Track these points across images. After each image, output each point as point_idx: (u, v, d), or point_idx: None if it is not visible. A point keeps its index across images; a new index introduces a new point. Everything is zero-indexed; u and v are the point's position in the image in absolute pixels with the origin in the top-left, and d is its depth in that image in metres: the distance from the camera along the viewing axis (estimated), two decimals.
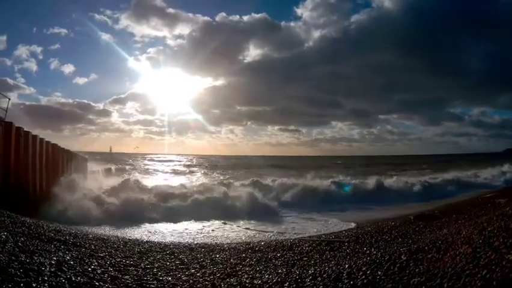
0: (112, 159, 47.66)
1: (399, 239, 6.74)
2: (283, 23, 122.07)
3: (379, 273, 3.86)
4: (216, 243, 8.53)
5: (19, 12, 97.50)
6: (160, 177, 38.61)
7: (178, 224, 12.92)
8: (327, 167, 50.19)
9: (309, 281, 4.13)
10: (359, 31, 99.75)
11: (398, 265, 4.00)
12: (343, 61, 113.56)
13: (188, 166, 60.53)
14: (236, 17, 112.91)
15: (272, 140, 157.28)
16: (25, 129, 10.91)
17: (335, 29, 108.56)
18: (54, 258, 4.97)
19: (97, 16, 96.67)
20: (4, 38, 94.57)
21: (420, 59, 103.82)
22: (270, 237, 10.02)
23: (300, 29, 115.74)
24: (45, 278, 4.00)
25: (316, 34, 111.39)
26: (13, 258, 4.48)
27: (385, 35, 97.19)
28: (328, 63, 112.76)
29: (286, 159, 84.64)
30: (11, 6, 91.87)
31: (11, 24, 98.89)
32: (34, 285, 3.75)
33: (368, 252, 5.64)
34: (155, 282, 4.58)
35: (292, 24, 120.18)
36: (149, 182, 25.04)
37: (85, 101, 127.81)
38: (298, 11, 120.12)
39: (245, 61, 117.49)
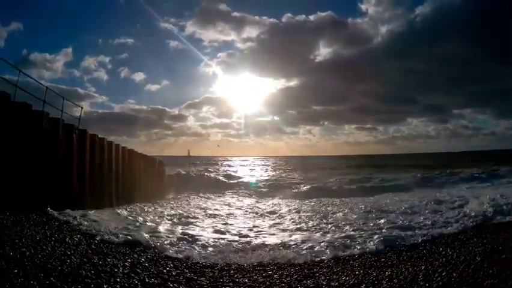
0: (191, 162, 47.32)
1: (475, 239, 6.55)
2: (350, 20, 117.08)
3: (454, 275, 3.90)
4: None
5: (82, 26, 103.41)
6: None
7: None
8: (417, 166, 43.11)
9: (385, 283, 4.10)
10: (424, 23, 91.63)
11: (472, 266, 4.05)
12: (412, 55, 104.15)
13: (286, 170, 51.32)
14: (302, 17, 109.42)
15: (350, 139, 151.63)
16: (100, 136, 11.34)
17: (401, 23, 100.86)
18: (129, 260, 4.88)
19: (162, 25, 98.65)
20: (70, 50, 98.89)
21: (488, 48, 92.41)
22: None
23: (367, 25, 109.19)
24: (118, 280, 3.83)
25: (383, 29, 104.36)
26: (85, 260, 4.42)
27: (451, 24, 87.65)
28: (397, 57, 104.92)
29: (369, 159, 76.45)
30: (74, 20, 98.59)
31: (75, 37, 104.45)
32: (105, 286, 3.55)
33: (443, 252, 5.58)
34: (231, 284, 4.36)
35: (358, 20, 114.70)
36: None
37: (159, 106, 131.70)
38: (363, 7, 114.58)
39: (316, 60, 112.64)
